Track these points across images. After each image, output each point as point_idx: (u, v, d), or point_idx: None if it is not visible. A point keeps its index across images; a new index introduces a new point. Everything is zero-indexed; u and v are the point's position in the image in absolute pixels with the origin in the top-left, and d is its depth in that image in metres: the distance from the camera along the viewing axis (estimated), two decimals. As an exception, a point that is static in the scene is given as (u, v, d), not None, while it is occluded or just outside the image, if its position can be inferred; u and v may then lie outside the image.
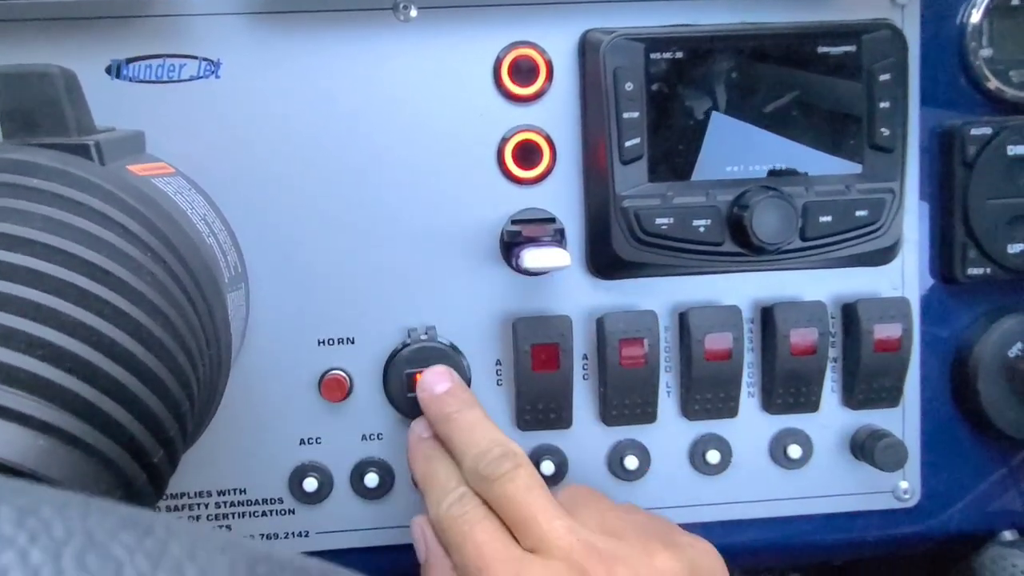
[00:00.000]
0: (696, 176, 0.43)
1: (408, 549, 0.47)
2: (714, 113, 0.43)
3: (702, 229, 0.42)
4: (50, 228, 0.31)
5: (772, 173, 0.43)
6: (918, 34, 0.45)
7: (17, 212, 0.31)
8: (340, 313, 0.45)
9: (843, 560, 0.55)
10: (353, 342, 0.45)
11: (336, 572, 0.12)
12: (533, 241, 0.42)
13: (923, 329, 0.47)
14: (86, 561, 0.09)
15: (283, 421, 0.45)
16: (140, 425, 0.31)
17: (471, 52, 0.44)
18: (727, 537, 0.48)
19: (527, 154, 0.44)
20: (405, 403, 0.45)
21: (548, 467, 0.46)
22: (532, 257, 0.40)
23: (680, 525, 0.47)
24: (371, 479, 0.45)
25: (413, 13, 0.44)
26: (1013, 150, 0.45)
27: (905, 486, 0.48)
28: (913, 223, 0.47)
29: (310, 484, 0.45)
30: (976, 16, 0.45)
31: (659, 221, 0.42)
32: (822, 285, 0.47)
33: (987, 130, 0.45)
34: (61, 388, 0.28)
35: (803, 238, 0.43)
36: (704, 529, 0.48)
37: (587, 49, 0.43)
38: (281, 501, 0.45)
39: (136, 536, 0.10)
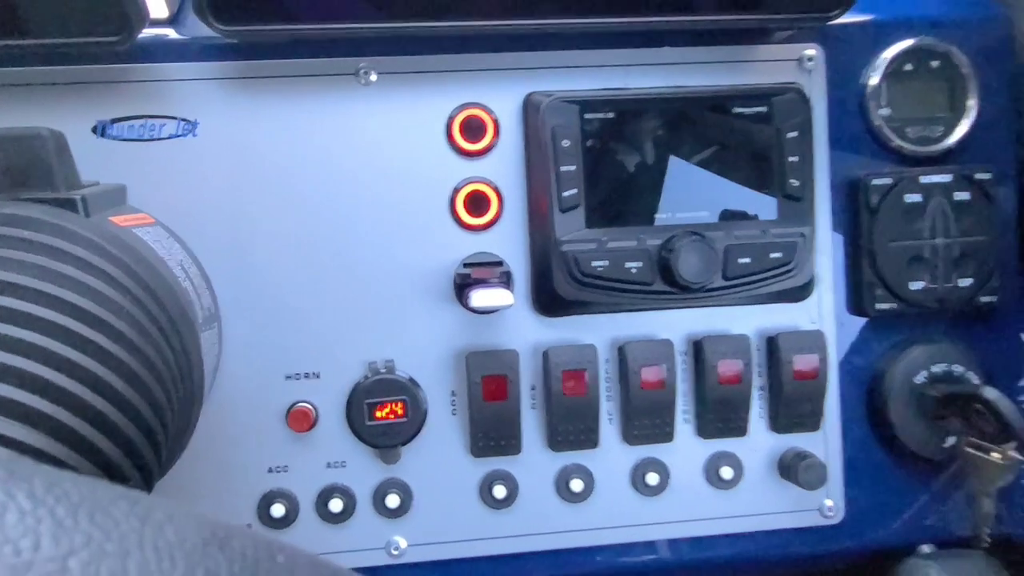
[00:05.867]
0: (628, 223, 0.48)
1: (371, 572, 0.50)
2: (643, 166, 0.48)
3: (634, 270, 0.47)
4: (41, 275, 0.35)
5: (695, 220, 0.48)
6: (825, 95, 0.51)
7: (12, 261, 0.35)
8: (306, 350, 0.49)
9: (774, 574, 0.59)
10: (318, 376, 0.49)
11: (277, 544, 0.16)
12: (481, 283, 0.46)
13: (841, 359, 0.52)
14: (95, 518, 0.13)
15: (253, 450, 0.48)
16: (119, 451, 0.34)
17: (426, 112, 0.49)
18: (667, 555, 0.52)
19: (477, 203, 0.49)
20: (367, 432, 0.48)
21: (500, 491, 0.50)
22: (479, 297, 0.44)
23: (623, 544, 0.51)
24: (335, 504, 0.49)
25: (373, 77, 0.48)
26: (910, 198, 0.50)
27: (830, 504, 0.52)
28: (827, 263, 0.52)
29: (278, 510, 0.48)
30: (875, 79, 0.51)
31: (595, 263, 0.47)
32: (748, 320, 0.51)
33: (887, 180, 0.50)
34: (49, 417, 0.32)
35: (725, 277, 0.48)
36: (646, 548, 0.52)
37: (529, 109, 0.48)
38: (250, 526, 0.49)
39: (129, 504, 0.14)
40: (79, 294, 0.35)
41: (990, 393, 0.47)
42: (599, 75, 0.49)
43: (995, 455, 0.48)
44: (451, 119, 0.49)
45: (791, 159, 0.48)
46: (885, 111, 0.51)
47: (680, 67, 0.50)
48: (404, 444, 0.49)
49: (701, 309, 0.51)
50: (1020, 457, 0.47)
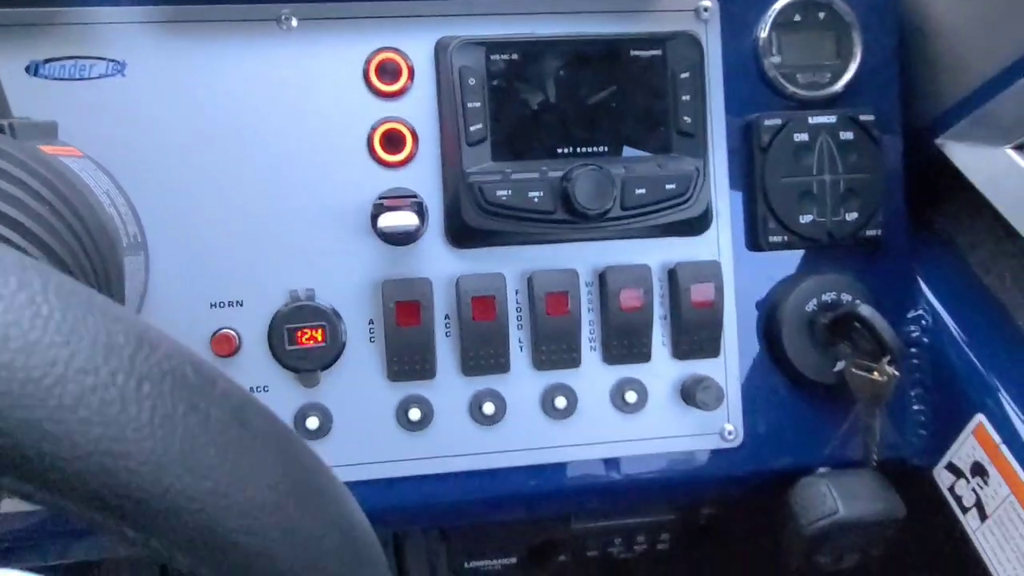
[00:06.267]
0: (531, 156, 0.51)
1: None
2: (546, 104, 0.51)
3: (536, 199, 0.50)
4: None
5: (595, 153, 0.51)
6: (720, 44, 0.55)
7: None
8: (231, 279, 0.51)
9: (682, 499, 0.62)
10: (241, 304, 0.51)
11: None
12: (392, 210, 0.49)
13: (739, 291, 0.56)
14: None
15: (177, 374, 0.51)
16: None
17: (344, 55, 0.52)
18: (576, 476, 0.55)
19: (393, 141, 0.52)
20: (287, 356, 0.51)
21: (415, 414, 0.52)
22: (385, 219, 0.47)
23: (535, 466, 0.54)
24: (257, 427, 0.51)
25: (294, 23, 0.52)
26: (798, 137, 0.54)
27: (730, 428, 0.55)
28: (725, 200, 0.55)
29: (201, 431, 0.50)
30: (766, 30, 0.55)
31: (499, 193, 0.50)
32: (652, 254, 0.54)
33: (777, 120, 0.54)
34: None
35: (623, 207, 0.51)
36: (555, 470, 0.54)
37: (440, 52, 0.52)
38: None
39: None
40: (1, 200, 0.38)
41: (864, 310, 0.50)
42: (507, 22, 0.53)
43: (876, 374, 0.51)
44: (368, 62, 0.52)
45: (684, 98, 0.52)
46: (776, 59, 0.55)
47: (584, 15, 0.54)
48: (324, 369, 0.52)
49: (607, 243, 0.54)
50: (896, 372, 0.51)
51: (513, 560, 0.69)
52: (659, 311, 0.54)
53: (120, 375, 0.18)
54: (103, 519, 0.18)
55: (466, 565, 0.68)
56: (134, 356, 0.18)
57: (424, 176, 0.53)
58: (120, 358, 0.18)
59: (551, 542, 0.68)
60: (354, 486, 0.52)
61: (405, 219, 0.47)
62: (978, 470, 0.52)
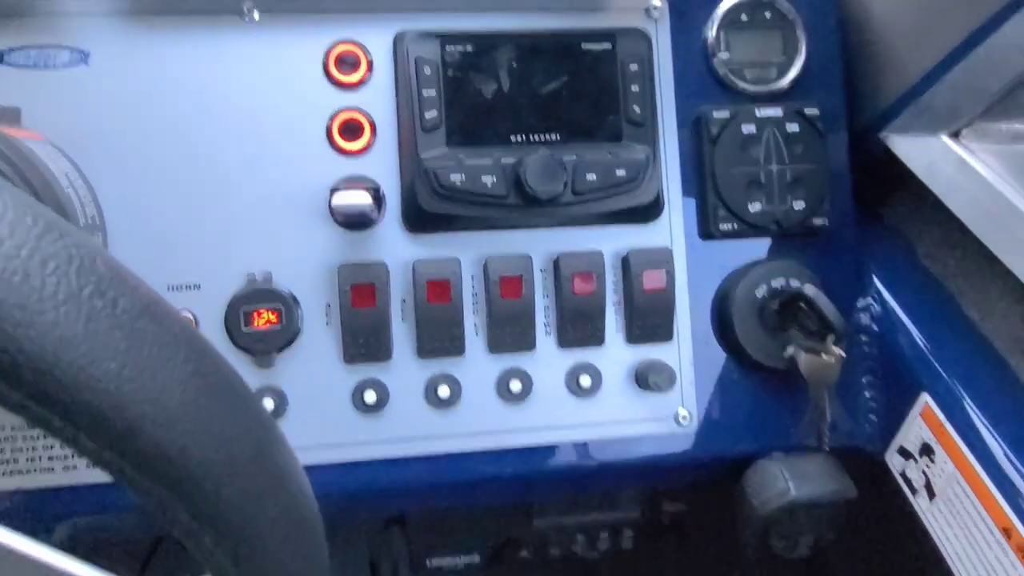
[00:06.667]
0: (485, 143, 0.52)
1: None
2: (500, 94, 0.53)
3: (489, 184, 0.51)
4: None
5: (548, 141, 0.53)
6: (670, 41, 0.57)
7: None
8: (189, 263, 0.52)
9: (637, 484, 0.62)
10: (199, 287, 0.52)
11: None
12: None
13: (691, 278, 0.57)
14: None
15: (133, 356, 0.51)
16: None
17: (304, 47, 0.53)
18: (531, 462, 0.55)
19: (352, 130, 0.54)
20: (243, 338, 0.51)
21: (371, 396, 0.53)
22: (338, 197, 0.48)
23: (488, 451, 0.54)
24: (213, 410, 0.51)
25: (256, 16, 0.53)
26: (746, 129, 0.56)
27: (684, 412, 0.56)
28: (677, 189, 0.57)
29: (156, 413, 0.51)
30: (714, 28, 0.57)
31: (453, 177, 0.51)
32: (606, 241, 0.56)
33: (726, 113, 0.56)
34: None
35: (574, 192, 0.52)
36: (510, 454, 0.55)
37: (398, 44, 0.53)
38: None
39: None
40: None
41: (809, 290, 0.51)
42: (465, 17, 0.55)
43: (823, 355, 0.52)
44: (327, 54, 0.53)
45: (633, 88, 0.53)
46: (725, 56, 0.57)
47: (539, 13, 0.56)
48: (279, 351, 0.52)
49: (562, 230, 0.55)
50: (841, 352, 0.52)
51: (476, 559, 0.68)
52: (613, 297, 0.55)
53: (25, 249, 0.18)
54: (5, 391, 0.18)
55: (428, 564, 0.68)
56: (41, 236, 0.19)
57: (382, 164, 0.54)
58: (27, 236, 0.19)
59: (513, 540, 0.68)
60: (310, 470, 0.52)
61: (358, 197, 0.48)
62: (926, 450, 0.52)
